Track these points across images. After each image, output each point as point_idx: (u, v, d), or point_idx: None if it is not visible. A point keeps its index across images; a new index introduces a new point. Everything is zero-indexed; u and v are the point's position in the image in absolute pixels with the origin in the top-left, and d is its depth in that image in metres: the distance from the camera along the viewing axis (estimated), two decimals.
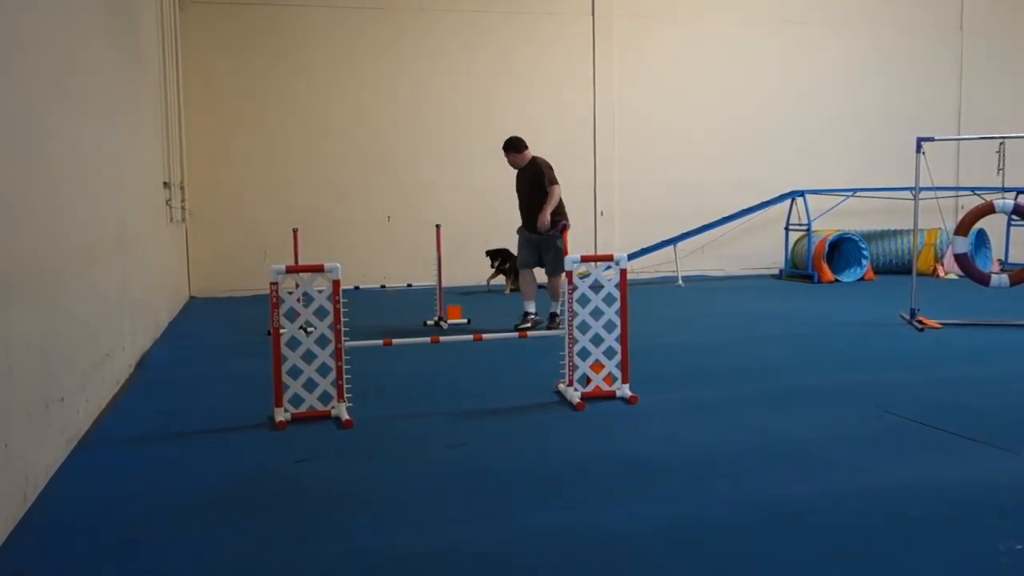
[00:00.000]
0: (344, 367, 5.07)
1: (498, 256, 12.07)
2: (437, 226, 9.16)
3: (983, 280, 8.08)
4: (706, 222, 13.20)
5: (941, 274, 12.70)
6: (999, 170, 10.81)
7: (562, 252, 7.97)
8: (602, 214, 13.57)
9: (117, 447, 4.60)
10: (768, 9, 14.02)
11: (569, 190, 13.13)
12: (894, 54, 14.51)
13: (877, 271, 13.04)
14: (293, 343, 5.04)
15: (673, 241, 12.94)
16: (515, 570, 3.00)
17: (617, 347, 5.42)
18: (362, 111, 12.63)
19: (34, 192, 4.06)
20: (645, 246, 12.97)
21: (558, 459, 4.25)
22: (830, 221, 13.31)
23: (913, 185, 8.49)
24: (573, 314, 5.33)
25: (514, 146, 8.22)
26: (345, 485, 3.92)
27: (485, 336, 5.85)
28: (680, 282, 12.63)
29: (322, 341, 5.02)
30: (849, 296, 10.83)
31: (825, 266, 12.38)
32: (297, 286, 5.08)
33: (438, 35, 12.81)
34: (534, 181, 8.13)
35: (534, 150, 8.26)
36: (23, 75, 3.98)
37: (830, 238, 12.51)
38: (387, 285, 10.15)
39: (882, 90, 14.45)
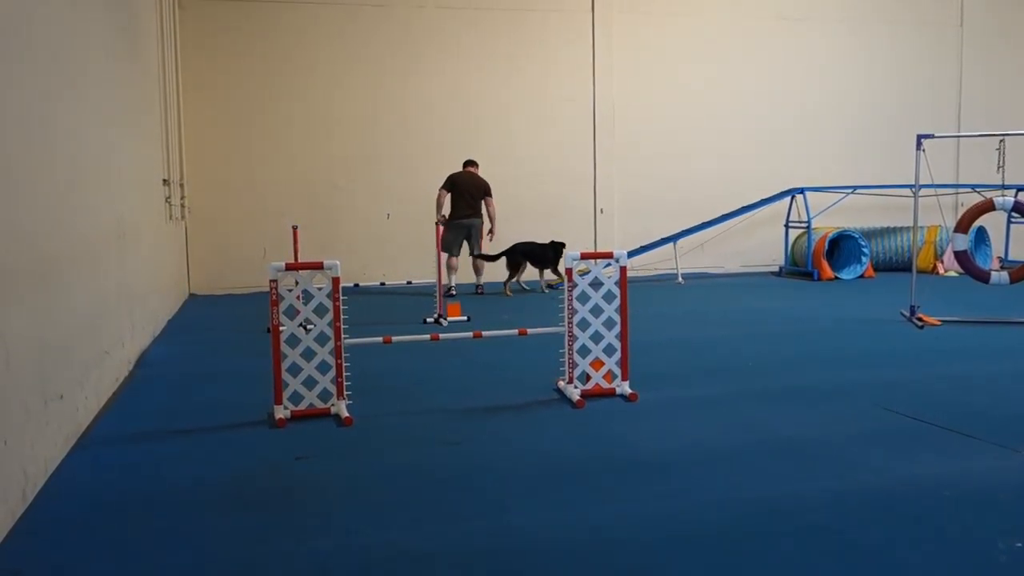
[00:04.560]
0: (344, 364, 5.07)
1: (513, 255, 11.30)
2: (436, 223, 9.16)
3: (983, 277, 8.07)
4: (706, 219, 13.17)
5: (941, 271, 12.70)
6: (999, 167, 10.79)
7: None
8: (602, 211, 13.56)
9: (116, 444, 4.60)
10: (768, 5, 13.99)
11: (569, 187, 13.30)
12: (894, 51, 14.50)
13: (877, 268, 13.03)
14: (293, 340, 5.04)
15: (673, 239, 12.92)
16: (513, 567, 3.00)
17: (617, 344, 5.42)
18: (362, 108, 12.61)
19: (34, 189, 4.06)
20: (645, 243, 12.96)
21: (557, 456, 4.25)
22: (830, 218, 13.30)
23: (913, 182, 8.48)
24: (573, 311, 5.33)
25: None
26: (344, 482, 3.93)
27: (485, 333, 5.85)
28: (680, 280, 12.62)
29: (322, 338, 5.01)
30: (849, 293, 10.82)
31: (825, 263, 12.37)
32: (297, 283, 5.08)
33: (437, 32, 12.79)
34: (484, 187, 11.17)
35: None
36: (23, 72, 3.98)
37: (830, 235, 12.50)
38: (387, 282, 10.15)
39: (882, 87, 14.44)
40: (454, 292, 10.84)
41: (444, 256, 10.59)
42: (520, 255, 11.25)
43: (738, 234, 13.79)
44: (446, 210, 10.99)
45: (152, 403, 5.53)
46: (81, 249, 5.03)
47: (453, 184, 10.96)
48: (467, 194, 10.97)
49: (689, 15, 13.71)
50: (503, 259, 11.22)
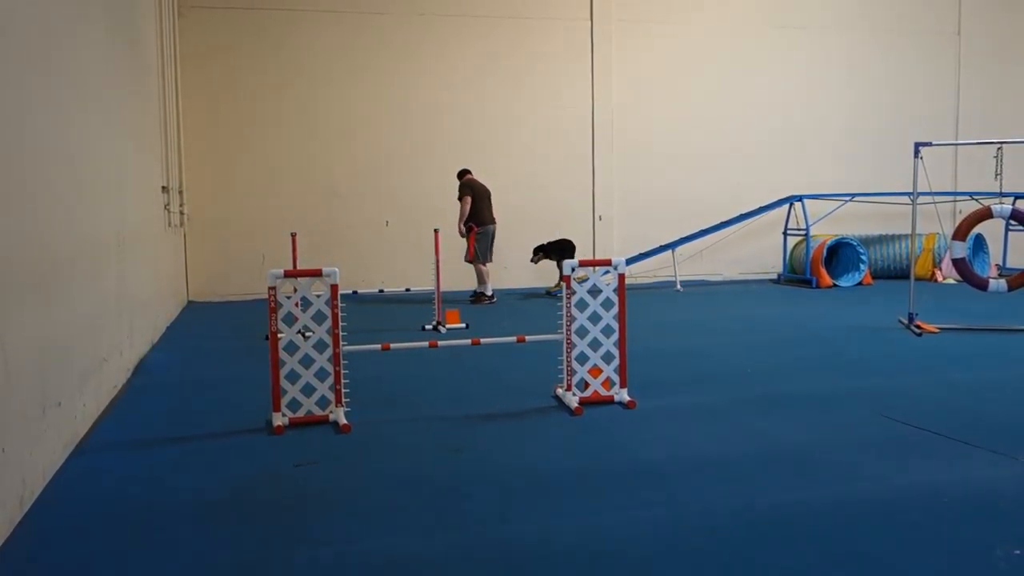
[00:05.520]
0: (342, 372, 5.07)
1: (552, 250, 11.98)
2: (435, 230, 9.17)
3: (981, 285, 8.08)
4: (704, 227, 13.21)
5: (939, 279, 12.72)
6: (997, 175, 10.81)
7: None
8: (600, 218, 13.58)
9: (115, 451, 4.60)
10: (766, 14, 14.05)
11: (567, 194, 13.34)
12: (892, 59, 14.55)
13: (875, 276, 13.05)
14: (291, 347, 5.03)
15: (671, 246, 12.94)
16: (512, 574, 2.99)
17: (615, 352, 5.42)
18: (360, 116, 12.63)
19: (33, 196, 4.06)
20: (643, 251, 12.98)
21: (556, 464, 4.25)
22: (828, 226, 13.33)
23: (911, 190, 8.50)
24: (571, 319, 5.33)
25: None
26: (343, 489, 3.92)
27: (483, 340, 5.85)
28: (678, 287, 12.63)
29: (320, 345, 5.01)
30: (847, 301, 10.83)
31: (823, 271, 12.38)
32: (295, 290, 5.08)
33: (437, 40, 12.83)
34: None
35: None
36: (23, 78, 3.98)
37: (828, 243, 12.52)
38: (385, 289, 10.16)
39: (880, 95, 14.49)
40: (495, 299, 11.25)
41: (482, 266, 11.07)
42: (570, 252, 11.59)
43: (737, 241, 13.82)
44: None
45: (150, 410, 5.52)
46: (80, 255, 5.03)
47: (473, 191, 10.99)
48: (487, 199, 11.08)
49: (688, 24, 13.76)
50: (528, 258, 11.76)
